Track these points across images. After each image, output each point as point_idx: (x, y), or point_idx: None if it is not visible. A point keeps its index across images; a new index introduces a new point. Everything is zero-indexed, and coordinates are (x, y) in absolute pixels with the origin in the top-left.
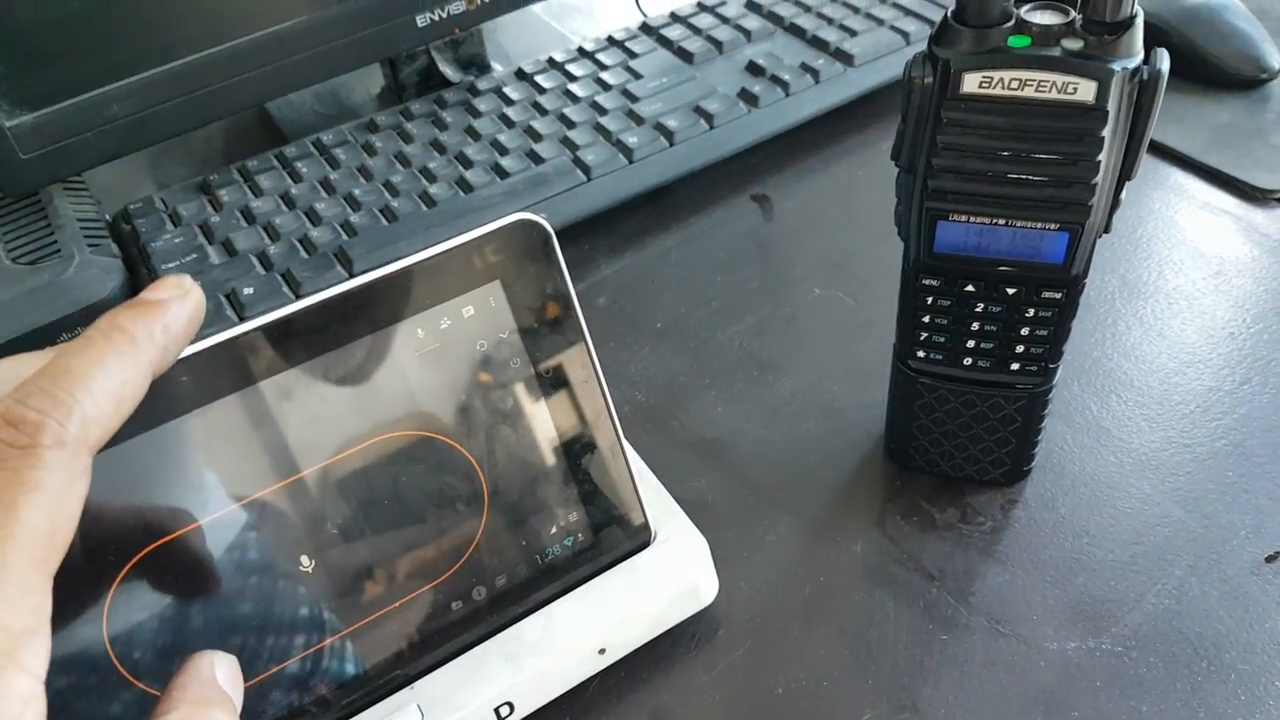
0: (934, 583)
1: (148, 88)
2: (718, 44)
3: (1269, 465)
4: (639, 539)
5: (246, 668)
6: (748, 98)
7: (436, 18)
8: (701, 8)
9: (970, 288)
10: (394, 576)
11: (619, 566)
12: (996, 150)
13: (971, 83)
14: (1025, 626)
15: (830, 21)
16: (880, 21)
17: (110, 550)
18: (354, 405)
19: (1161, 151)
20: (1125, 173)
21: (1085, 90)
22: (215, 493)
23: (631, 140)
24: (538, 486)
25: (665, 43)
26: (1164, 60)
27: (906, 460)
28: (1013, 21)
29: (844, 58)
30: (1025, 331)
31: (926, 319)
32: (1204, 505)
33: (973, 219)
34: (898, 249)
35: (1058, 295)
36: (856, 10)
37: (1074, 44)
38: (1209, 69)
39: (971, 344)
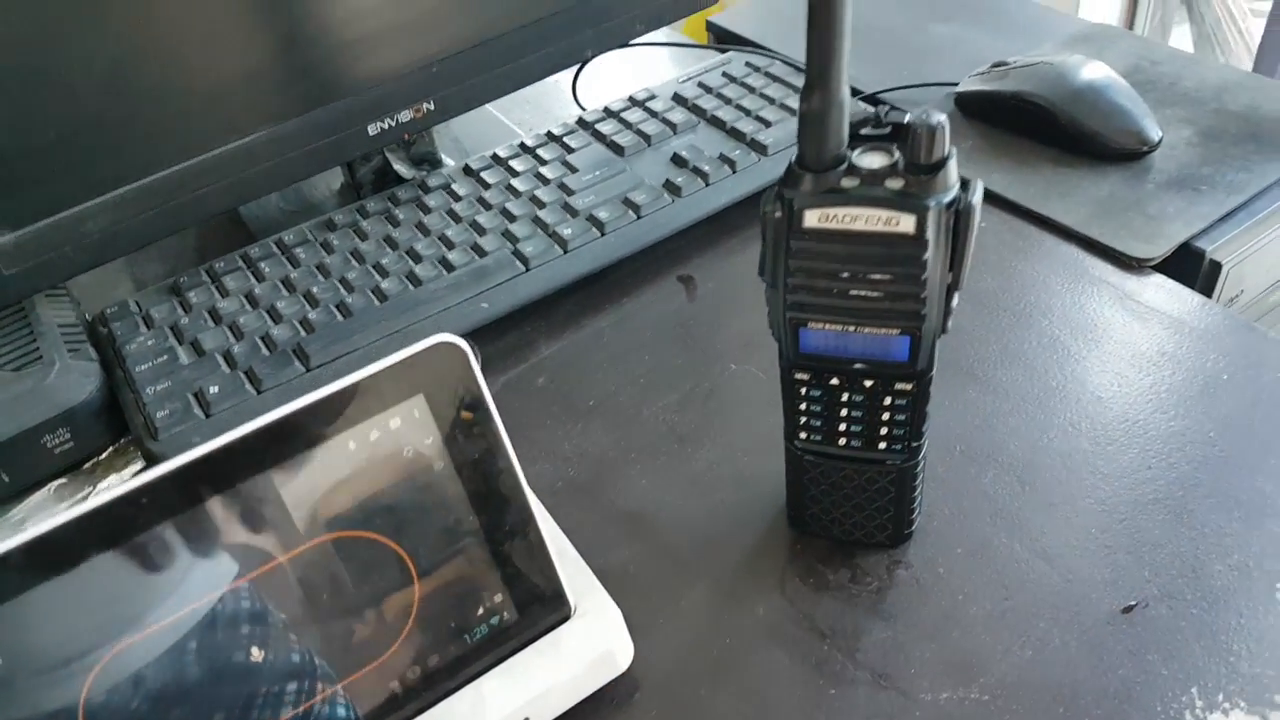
0: (825, 640)
1: (121, 204)
2: (646, 137)
3: (1129, 520)
4: (559, 614)
5: None
6: (671, 188)
7: (386, 126)
8: (633, 102)
9: (835, 381)
10: (337, 661)
11: (542, 640)
12: (838, 272)
13: (812, 218)
14: (904, 680)
15: (747, 113)
16: (792, 111)
17: (81, 652)
18: (298, 512)
19: (1046, 224)
20: (953, 285)
21: (906, 223)
22: (175, 596)
23: (566, 232)
24: (464, 573)
25: (599, 136)
26: (977, 193)
27: (805, 526)
28: (845, 165)
29: (759, 147)
30: (886, 417)
31: (803, 407)
32: (1068, 560)
33: (827, 326)
34: None
35: (909, 387)
36: (771, 101)
37: (896, 183)
38: (1094, 144)
39: (843, 427)
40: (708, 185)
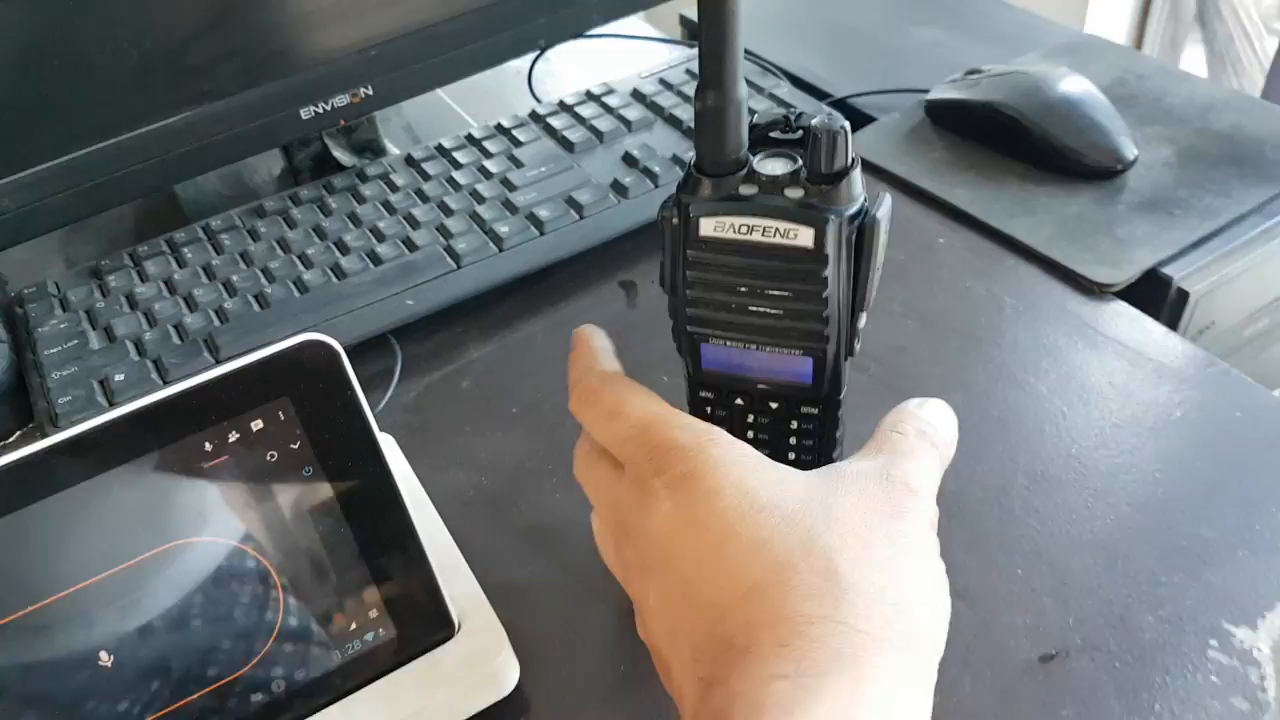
0: None
1: (36, 182)
2: (599, 134)
3: (1059, 562)
4: (441, 632)
5: None
6: (618, 189)
7: (320, 110)
8: (589, 96)
9: (739, 401)
10: (192, 670)
11: (421, 658)
12: (736, 285)
13: (707, 226)
14: None
15: None
16: (752, 112)
17: None
18: (148, 513)
19: (1008, 242)
20: (858, 305)
21: (804, 236)
22: (18, 592)
23: (503, 229)
24: (335, 585)
25: (550, 131)
26: (884, 206)
27: None
28: (745, 170)
29: None
30: (794, 441)
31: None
32: (988, 602)
33: (729, 343)
34: None
35: (815, 410)
36: None
37: (796, 193)
38: (1066, 160)
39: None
40: (656, 187)
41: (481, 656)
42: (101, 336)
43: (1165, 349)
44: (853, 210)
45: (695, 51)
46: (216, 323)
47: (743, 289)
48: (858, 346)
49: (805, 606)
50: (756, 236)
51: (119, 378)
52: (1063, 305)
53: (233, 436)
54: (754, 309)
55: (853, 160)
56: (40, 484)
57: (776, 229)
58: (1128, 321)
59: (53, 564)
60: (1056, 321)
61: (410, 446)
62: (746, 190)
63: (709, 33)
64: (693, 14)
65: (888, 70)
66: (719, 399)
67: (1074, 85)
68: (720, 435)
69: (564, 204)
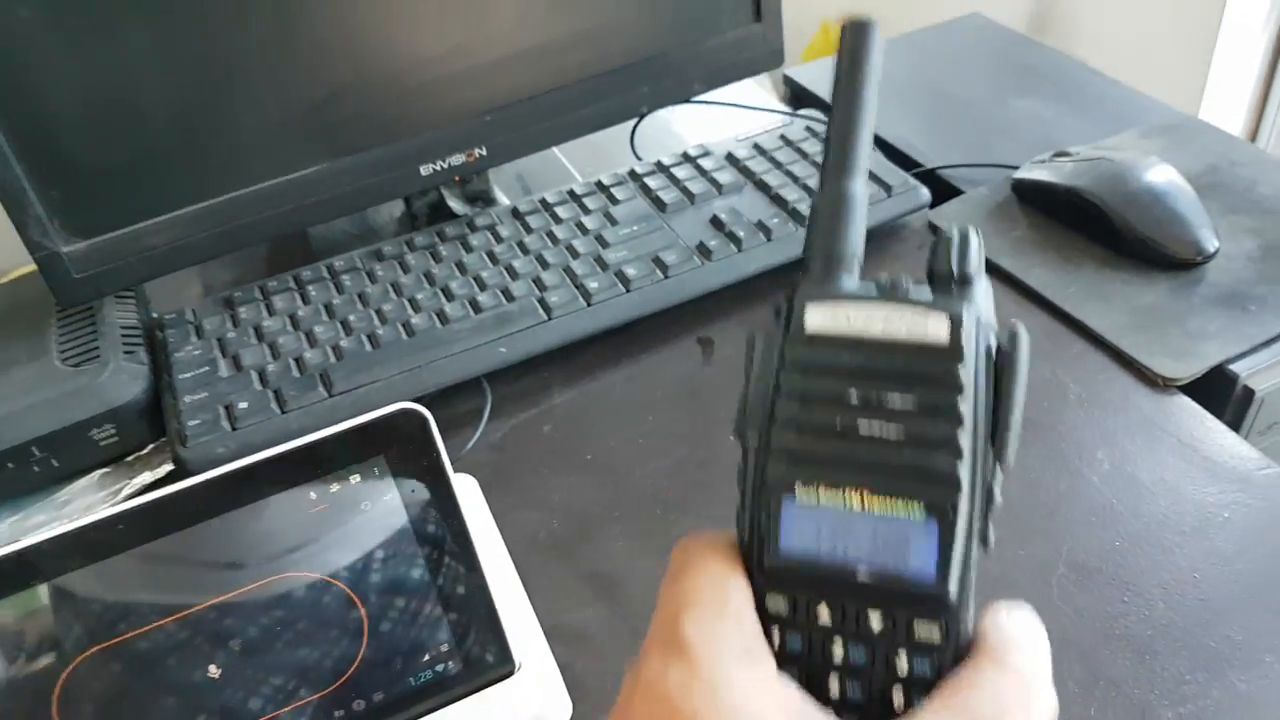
0: None
1: (182, 223)
2: (690, 195)
3: (1089, 654)
4: (502, 670)
5: None
6: (703, 251)
7: (438, 168)
8: (685, 158)
9: (824, 617)
10: (286, 687)
11: (484, 691)
12: (845, 395)
13: (817, 318)
14: None
15: (795, 180)
16: None
17: (55, 652)
18: (260, 549)
19: (1078, 328)
20: (997, 452)
21: (937, 327)
22: (146, 611)
23: (592, 285)
24: (413, 621)
25: (646, 190)
26: (1022, 333)
27: None
28: (859, 274)
29: (798, 217)
30: (899, 697)
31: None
32: None
33: (823, 498)
34: None
35: (935, 634)
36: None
37: (921, 293)
38: (1145, 249)
39: (836, 695)
40: (740, 251)
41: (536, 693)
42: (230, 365)
43: (1222, 448)
44: (983, 317)
45: (786, 119)
46: (332, 359)
47: (853, 401)
48: (994, 535)
49: None
50: (877, 329)
51: (242, 405)
52: (1126, 397)
53: (334, 488)
54: (864, 432)
55: (980, 268)
56: (172, 519)
57: (905, 318)
58: (1188, 417)
59: (176, 588)
60: (1118, 413)
61: (491, 485)
62: (863, 289)
63: (837, 120)
64: (796, 75)
65: (981, 142)
66: (794, 616)
67: (1159, 175)
68: (748, 666)
69: (650, 263)
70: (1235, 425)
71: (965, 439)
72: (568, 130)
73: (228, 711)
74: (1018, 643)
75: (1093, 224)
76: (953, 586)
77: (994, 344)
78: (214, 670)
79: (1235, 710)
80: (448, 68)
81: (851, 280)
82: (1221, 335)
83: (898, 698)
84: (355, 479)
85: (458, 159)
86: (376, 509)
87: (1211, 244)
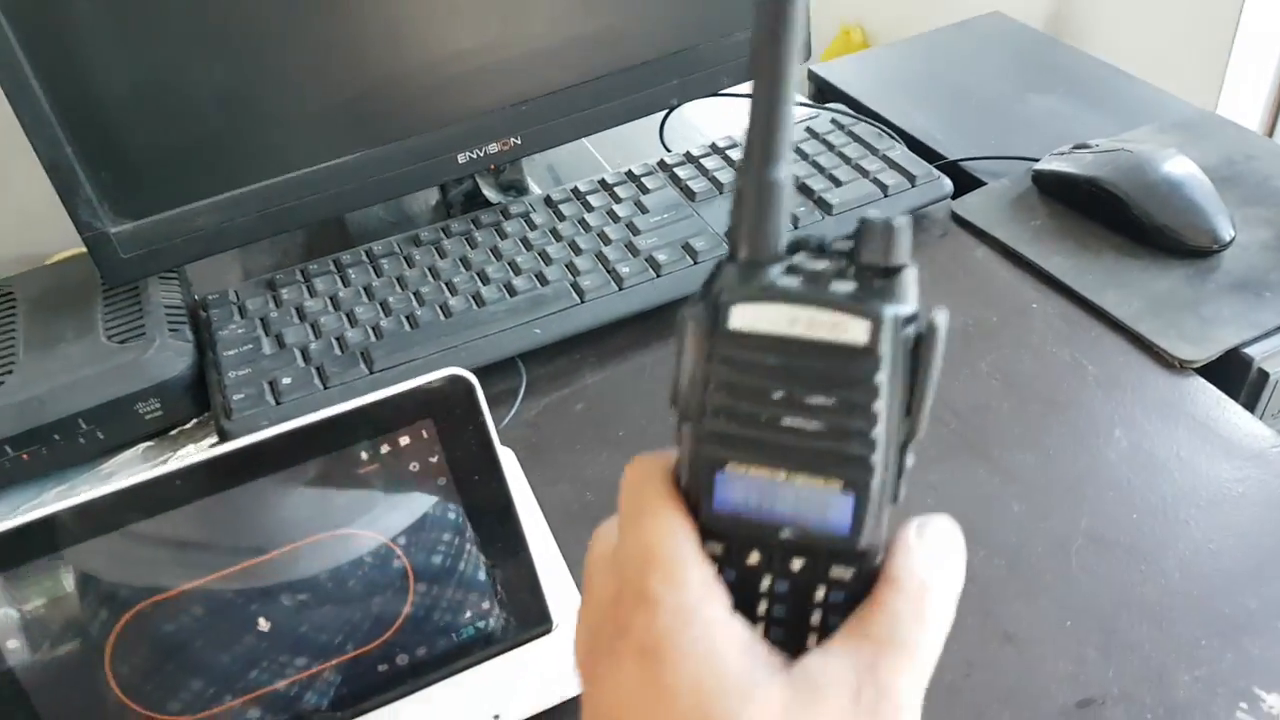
0: None
1: (229, 206)
2: (719, 185)
3: (1107, 618)
4: (542, 626)
5: (214, 701)
6: None
7: (474, 156)
8: (714, 149)
9: (754, 558)
10: (333, 641)
11: (523, 647)
12: (769, 392)
13: (741, 317)
14: None
15: (821, 170)
16: (865, 173)
17: (111, 603)
18: (310, 506)
19: (1096, 313)
20: (909, 431)
21: (856, 330)
22: (200, 565)
23: (624, 270)
24: (456, 579)
25: (675, 180)
26: (942, 317)
27: None
28: (784, 264)
29: (824, 205)
30: (817, 618)
31: None
32: (1036, 648)
33: (752, 470)
34: None
35: (847, 574)
36: (847, 161)
37: (845, 286)
38: (1163, 238)
39: (760, 625)
40: None
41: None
42: (273, 343)
43: (1236, 427)
44: (907, 312)
45: (813, 112)
46: (372, 338)
47: (777, 396)
48: (903, 492)
49: None
50: (799, 330)
51: (286, 381)
52: (1143, 378)
53: (384, 449)
54: (787, 423)
55: (908, 260)
56: (231, 475)
57: (824, 322)
58: (1204, 398)
59: (238, 540)
60: (1135, 393)
61: (527, 460)
62: (787, 281)
63: (756, 105)
64: (821, 71)
65: (1002, 136)
66: (729, 554)
67: (1177, 166)
68: (707, 610)
69: (681, 249)
70: (1250, 407)
71: (880, 429)
72: (599, 122)
73: (276, 664)
74: (914, 565)
75: (1111, 213)
76: (865, 540)
77: (914, 331)
78: (264, 624)
79: (1248, 672)
80: (483, 60)
81: (776, 271)
82: (1236, 320)
83: (815, 619)
84: (404, 440)
85: (492, 148)
86: (423, 470)
87: (1227, 232)
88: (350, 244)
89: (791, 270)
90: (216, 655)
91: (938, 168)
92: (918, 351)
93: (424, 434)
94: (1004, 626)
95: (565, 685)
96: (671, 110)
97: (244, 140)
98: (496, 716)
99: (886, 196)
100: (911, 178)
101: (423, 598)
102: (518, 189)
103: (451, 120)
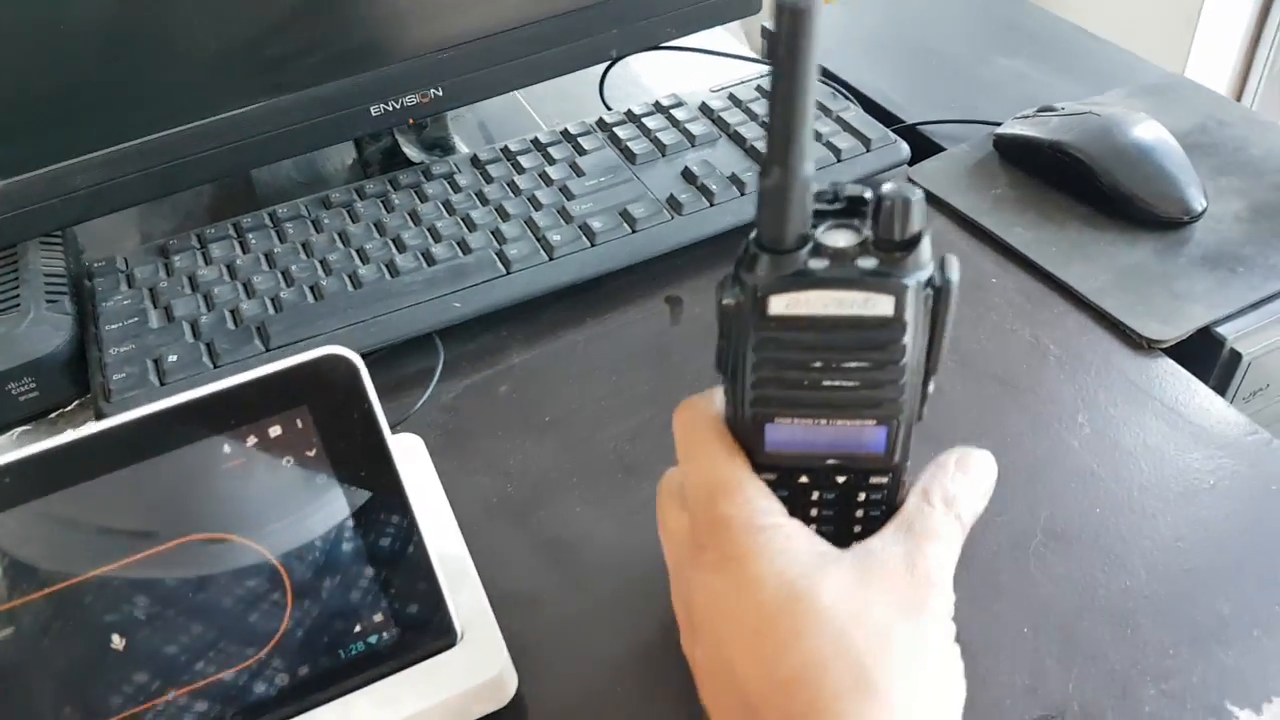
0: None
1: (109, 163)
2: (662, 147)
3: (1067, 624)
4: (443, 641)
5: None
6: (674, 204)
7: (390, 108)
8: (657, 108)
9: (804, 479)
10: (198, 659)
11: (422, 664)
12: (809, 362)
13: (778, 304)
14: None
15: None
16: (818, 136)
17: None
18: (164, 508)
19: (1060, 288)
20: (930, 369)
21: (883, 304)
22: (37, 575)
23: (555, 238)
24: (342, 589)
25: (615, 140)
26: (954, 269)
27: None
28: (810, 245)
29: None
30: (860, 514)
31: None
32: (988, 658)
33: (796, 421)
34: None
35: (884, 480)
36: None
37: (868, 262)
38: (1131, 208)
39: (814, 527)
40: (712, 205)
41: (481, 667)
42: (161, 316)
43: (1208, 413)
44: (926, 276)
45: (765, 69)
46: (271, 311)
47: (816, 365)
48: (926, 411)
49: (836, 704)
50: (832, 310)
51: (172, 358)
52: (1108, 359)
53: (251, 441)
54: (827, 384)
55: (923, 226)
56: (66, 473)
57: (853, 300)
58: (1173, 380)
59: (75, 548)
60: (1100, 375)
61: (441, 447)
62: (816, 264)
63: (779, 107)
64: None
65: (964, 99)
66: (781, 479)
67: (1147, 131)
68: (771, 519)
69: (618, 216)
70: (1221, 389)
71: (907, 376)
72: (531, 73)
73: (132, 685)
74: (947, 481)
75: (1077, 181)
76: (897, 456)
77: (932, 285)
78: (117, 641)
79: (1220, 685)
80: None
81: (804, 254)
82: (1208, 297)
83: (858, 515)
84: (275, 430)
85: (410, 100)
86: (299, 464)
87: (1199, 203)
88: (259, 206)
89: (817, 251)
90: (64, 676)
91: (894, 131)
92: (937, 303)
93: (298, 423)
94: (964, 644)
95: (473, 703)
96: (612, 64)
97: (130, 87)
98: None
99: (840, 161)
100: (866, 141)
101: (303, 610)
102: (443, 148)
103: (365, 67)
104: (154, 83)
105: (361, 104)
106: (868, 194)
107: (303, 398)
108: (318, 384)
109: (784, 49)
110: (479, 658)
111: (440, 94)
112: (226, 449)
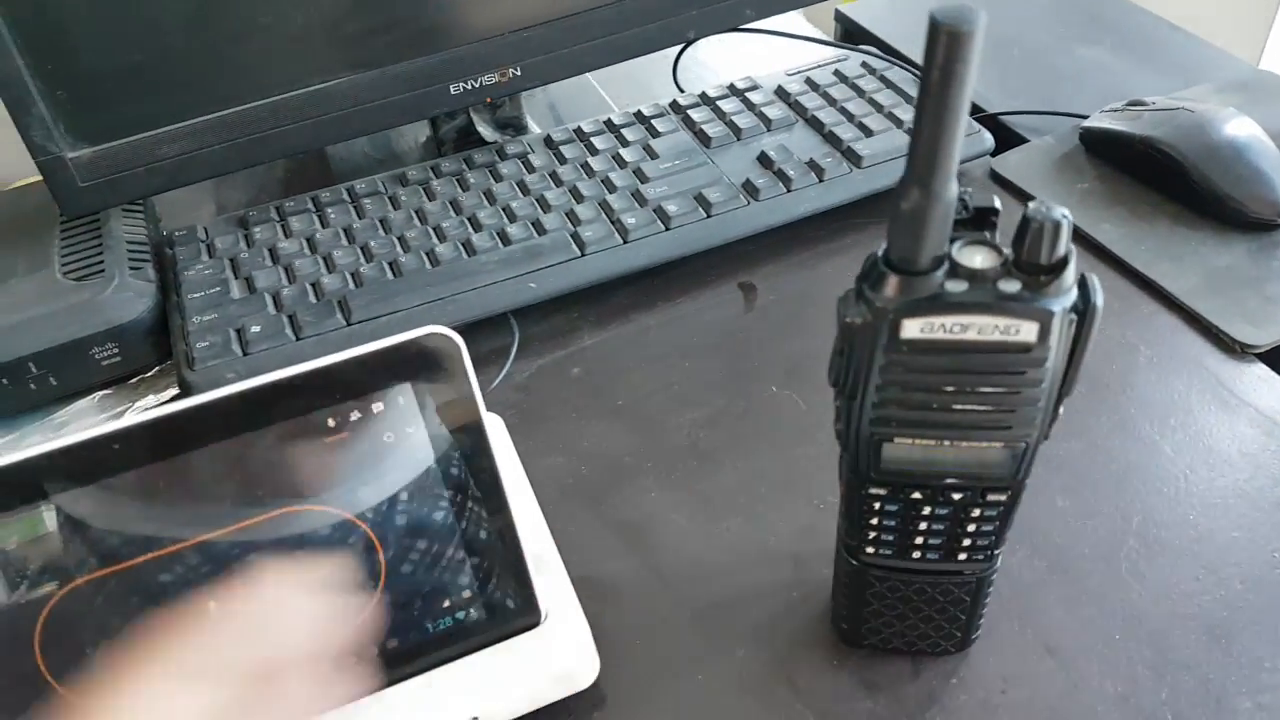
0: (800, 698)
1: (196, 133)
2: (737, 130)
3: (1160, 632)
4: (527, 620)
5: None
6: (750, 189)
7: (469, 87)
8: (732, 91)
9: (917, 495)
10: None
11: (506, 643)
12: (940, 385)
13: (912, 328)
14: None
15: (850, 118)
16: (899, 123)
17: (39, 580)
18: (267, 478)
19: (1149, 288)
20: (1065, 392)
21: (1027, 331)
22: (142, 541)
23: (630, 221)
24: (434, 564)
25: (689, 123)
26: (1097, 293)
27: (858, 639)
28: (946, 265)
29: (853, 158)
30: (971, 528)
31: (874, 522)
32: (1080, 663)
33: (917, 442)
34: None
35: (1003, 497)
36: (879, 109)
37: (1011, 286)
38: (1223, 208)
39: (920, 540)
40: (789, 191)
41: (563, 649)
42: (243, 286)
43: None
44: (1070, 301)
45: (842, 53)
46: (351, 286)
47: (948, 389)
48: (1051, 431)
49: None
50: (971, 335)
51: (255, 329)
52: (1200, 361)
53: (354, 415)
54: (957, 407)
55: (1069, 250)
56: (174, 442)
57: (995, 326)
58: (1266, 387)
59: (179, 516)
60: (1191, 378)
61: (517, 427)
62: (954, 286)
63: (926, 127)
64: (850, 11)
65: (1044, 90)
66: (892, 495)
67: (1241, 129)
68: None
69: (693, 200)
70: None
71: (1044, 403)
72: (610, 53)
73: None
74: None
75: (1167, 179)
76: (1022, 475)
77: (1075, 310)
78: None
79: None
80: None
81: (939, 276)
82: None
83: (970, 529)
84: (378, 407)
85: (490, 78)
86: (400, 441)
87: None
88: (332, 181)
89: (954, 272)
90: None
91: (976, 120)
92: (1079, 328)
93: (400, 400)
94: (1047, 638)
95: (553, 686)
96: (687, 45)
97: (217, 60)
98: (475, 718)
99: None
100: None
101: (396, 583)
102: (515, 127)
103: (446, 45)
104: (239, 56)
105: (442, 82)
106: (997, 204)
107: (406, 375)
108: (421, 361)
109: (938, 72)
110: (562, 640)
111: (519, 73)
112: (331, 423)
